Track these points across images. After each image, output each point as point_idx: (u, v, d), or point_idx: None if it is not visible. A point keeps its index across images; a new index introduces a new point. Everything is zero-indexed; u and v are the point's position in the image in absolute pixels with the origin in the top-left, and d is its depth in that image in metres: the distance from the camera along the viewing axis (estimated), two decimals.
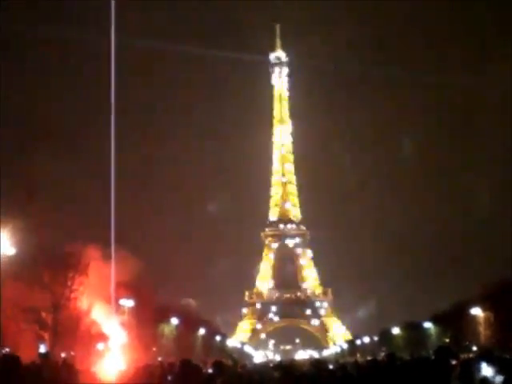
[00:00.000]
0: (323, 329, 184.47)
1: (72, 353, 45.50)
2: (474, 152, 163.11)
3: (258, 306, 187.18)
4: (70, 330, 46.75)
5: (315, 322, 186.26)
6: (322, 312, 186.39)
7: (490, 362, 9.88)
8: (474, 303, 58.80)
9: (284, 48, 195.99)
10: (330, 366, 17.22)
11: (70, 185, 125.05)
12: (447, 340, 67.15)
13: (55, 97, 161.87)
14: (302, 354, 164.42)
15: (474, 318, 59.39)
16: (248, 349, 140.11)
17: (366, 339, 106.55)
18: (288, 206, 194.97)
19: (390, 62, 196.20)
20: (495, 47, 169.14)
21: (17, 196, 44.27)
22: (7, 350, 38.10)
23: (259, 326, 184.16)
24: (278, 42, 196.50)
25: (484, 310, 57.82)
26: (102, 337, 48.38)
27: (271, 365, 24.60)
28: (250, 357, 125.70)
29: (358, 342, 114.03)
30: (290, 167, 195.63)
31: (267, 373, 17.72)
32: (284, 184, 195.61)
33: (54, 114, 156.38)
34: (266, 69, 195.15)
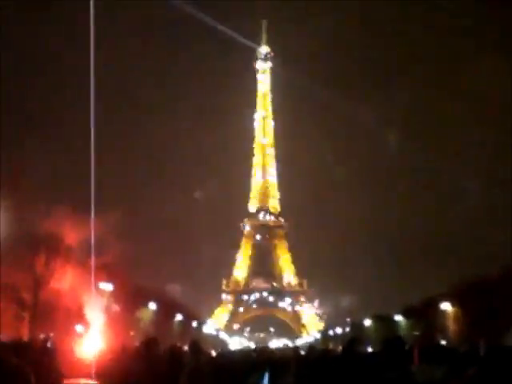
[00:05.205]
0: (297, 318, 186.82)
1: (51, 334, 46.25)
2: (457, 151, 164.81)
3: (234, 294, 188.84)
4: (50, 311, 47.48)
5: (289, 311, 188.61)
6: (297, 302, 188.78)
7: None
8: (445, 299, 60.66)
9: (270, 44, 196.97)
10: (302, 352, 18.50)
11: (54, 165, 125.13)
12: (417, 333, 68.92)
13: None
14: (276, 343, 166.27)
15: (443, 312, 61.28)
16: (223, 335, 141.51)
17: (339, 330, 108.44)
18: (267, 197, 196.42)
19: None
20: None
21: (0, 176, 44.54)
22: None
23: (235, 314, 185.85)
24: (265, 38, 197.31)
25: (453, 305, 59.70)
26: (81, 319, 49.17)
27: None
28: (225, 343, 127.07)
29: (331, 332, 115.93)
30: (272, 159, 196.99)
31: (246, 355, 18.81)
32: (264, 175, 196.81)
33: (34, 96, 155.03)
34: (250, 61, 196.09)
